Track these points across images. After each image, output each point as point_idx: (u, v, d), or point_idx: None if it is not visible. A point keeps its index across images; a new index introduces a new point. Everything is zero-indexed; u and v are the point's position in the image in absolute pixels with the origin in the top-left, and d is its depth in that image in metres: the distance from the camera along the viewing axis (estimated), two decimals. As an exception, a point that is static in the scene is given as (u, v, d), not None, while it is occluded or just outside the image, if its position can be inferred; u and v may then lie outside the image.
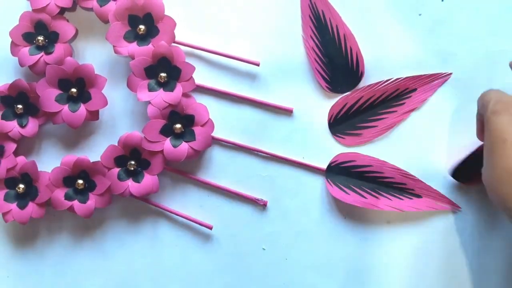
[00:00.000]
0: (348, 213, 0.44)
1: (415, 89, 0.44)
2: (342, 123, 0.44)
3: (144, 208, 0.45)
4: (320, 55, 0.44)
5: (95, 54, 0.45)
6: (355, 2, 0.45)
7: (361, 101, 0.44)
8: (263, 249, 0.44)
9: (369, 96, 0.44)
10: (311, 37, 0.44)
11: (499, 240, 0.44)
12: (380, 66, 0.44)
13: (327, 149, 0.44)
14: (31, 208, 0.43)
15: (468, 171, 0.42)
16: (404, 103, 0.44)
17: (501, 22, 0.44)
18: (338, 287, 0.44)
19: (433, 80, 0.44)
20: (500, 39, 0.44)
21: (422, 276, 0.44)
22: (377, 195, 0.43)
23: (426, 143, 0.44)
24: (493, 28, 0.44)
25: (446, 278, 0.43)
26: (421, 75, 0.44)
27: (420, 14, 0.45)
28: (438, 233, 0.44)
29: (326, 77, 0.44)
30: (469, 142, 0.44)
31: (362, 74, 0.44)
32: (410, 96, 0.44)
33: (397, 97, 0.44)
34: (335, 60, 0.44)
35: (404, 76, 0.44)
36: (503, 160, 0.34)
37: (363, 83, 0.44)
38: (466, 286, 0.43)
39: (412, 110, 0.44)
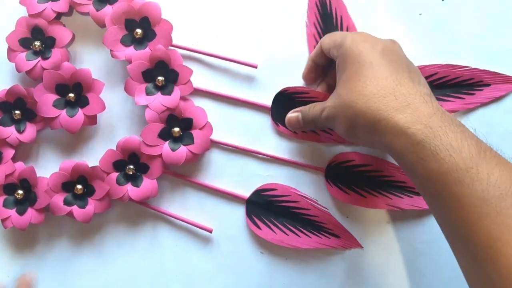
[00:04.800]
0: (349, 213, 0.44)
1: (489, 85, 0.44)
2: None
3: (143, 212, 0.45)
4: (318, 40, 0.44)
5: (92, 59, 0.45)
6: (356, 1, 0.45)
7: (435, 77, 0.43)
8: (261, 252, 0.44)
9: (444, 75, 0.43)
10: (314, 24, 0.44)
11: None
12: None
13: (327, 149, 0.44)
14: (30, 214, 0.42)
15: None
16: (474, 94, 0.44)
17: (501, 21, 0.44)
18: (338, 287, 0.44)
19: (509, 82, 0.44)
20: (500, 39, 0.44)
21: (422, 276, 0.44)
22: (377, 194, 0.43)
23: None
24: (494, 27, 0.44)
25: (446, 278, 0.43)
26: (499, 73, 0.44)
27: (420, 14, 0.45)
28: (438, 232, 0.44)
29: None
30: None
31: None
32: (482, 90, 0.44)
33: (470, 85, 0.44)
34: None
35: (483, 68, 0.43)
36: (371, 80, 0.34)
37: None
38: (466, 286, 0.43)
39: (479, 103, 0.44)
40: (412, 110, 0.32)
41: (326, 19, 0.44)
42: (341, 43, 0.37)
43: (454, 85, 0.44)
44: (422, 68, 0.44)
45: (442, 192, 0.30)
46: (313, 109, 0.39)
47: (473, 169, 0.29)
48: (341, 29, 0.44)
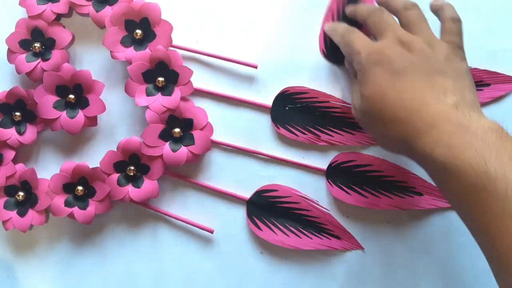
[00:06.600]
0: (349, 213, 0.44)
1: (488, 84, 0.44)
2: None
3: (144, 213, 0.45)
4: (336, 19, 0.44)
5: (92, 60, 0.45)
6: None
7: None
8: (261, 253, 0.44)
9: None
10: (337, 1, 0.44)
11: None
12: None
13: (328, 150, 0.44)
14: (31, 215, 0.42)
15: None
16: None
17: (501, 22, 0.44)
18: (337, 286, 0.44)
19: (509, 82, 0.44)
20: (500, 39, 0.44)
21: (422, 276, 0.44)
22: (378, 194, 0.43)
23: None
24: (493, 28, 0.44)
25: (446, 278, 0.43)
26: (498, 73, 0.44)
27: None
28: (438, 233, 0.44)
29: (328, 42, 0.43)
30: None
31: None
32: (482, 90, 0.44)
33: None
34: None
35: (482, 68, 0.43)
36: (395, 102, 0.34)
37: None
38: (466, 286, 0.43)
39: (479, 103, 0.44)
40: (437, 132, 0.32)
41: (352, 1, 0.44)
42: (356, 60, 0.36)
43: None
44: None
45: (470, 200, 0.30)
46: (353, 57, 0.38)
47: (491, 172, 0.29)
48: None
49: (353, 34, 0.38)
